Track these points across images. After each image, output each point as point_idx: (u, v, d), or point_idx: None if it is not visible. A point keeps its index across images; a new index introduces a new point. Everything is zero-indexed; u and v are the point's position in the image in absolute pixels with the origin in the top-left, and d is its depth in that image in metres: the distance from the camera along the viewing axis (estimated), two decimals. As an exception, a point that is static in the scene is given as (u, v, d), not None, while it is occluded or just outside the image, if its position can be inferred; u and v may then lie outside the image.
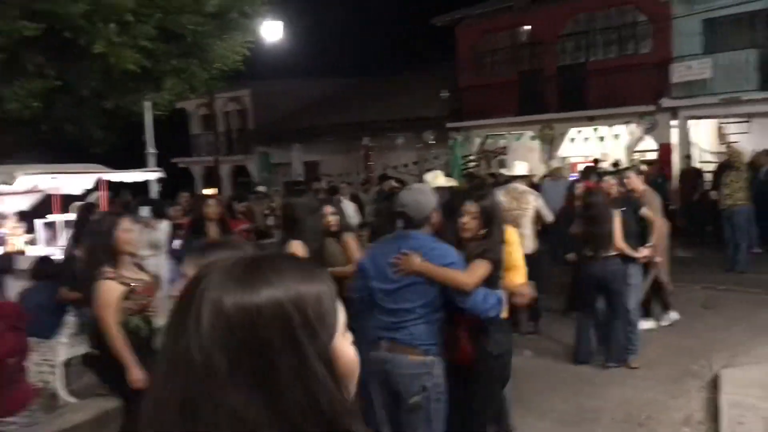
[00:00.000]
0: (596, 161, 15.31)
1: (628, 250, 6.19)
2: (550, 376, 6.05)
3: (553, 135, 18.09)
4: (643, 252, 6.29)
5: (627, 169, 6.85)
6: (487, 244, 3.69)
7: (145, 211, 6.63)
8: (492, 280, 3.62)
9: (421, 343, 3.43)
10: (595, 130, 17.31)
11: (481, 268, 3.56)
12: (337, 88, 27.14)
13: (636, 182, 6.61)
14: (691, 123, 16.07)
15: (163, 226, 6.75)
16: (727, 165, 10.07)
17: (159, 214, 7.01)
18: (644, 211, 6.49)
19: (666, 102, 15.70)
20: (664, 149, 15.94)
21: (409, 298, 3.44)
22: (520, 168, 7.79)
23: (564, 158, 19.01)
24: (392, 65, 26.57)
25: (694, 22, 15.65)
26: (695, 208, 12.75)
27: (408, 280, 3.43)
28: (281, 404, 0.87)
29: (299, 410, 0.87)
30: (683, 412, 5.06)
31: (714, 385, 5.53)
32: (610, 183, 6.58)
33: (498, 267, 3.69)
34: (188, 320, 0.90)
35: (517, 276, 4.05)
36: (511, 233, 4.13)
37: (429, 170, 15.10)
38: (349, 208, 9.32)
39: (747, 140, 14.79)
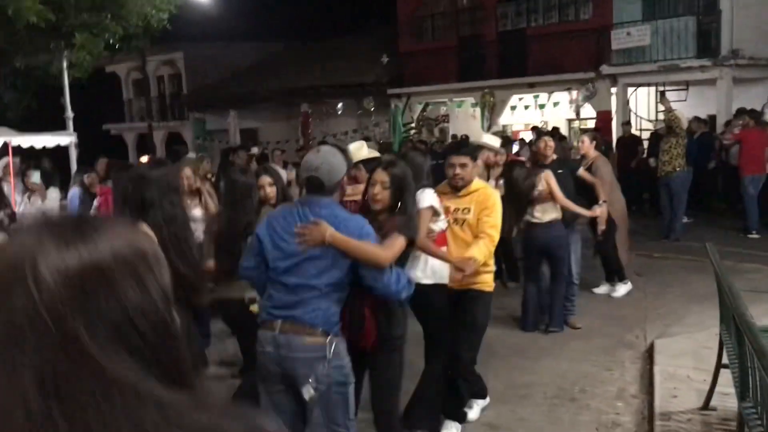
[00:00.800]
0: (535, 129, 15.19)
1: (574, 207, 5.98)
2: (484, 350, 5.76)
3: (494, 102, 17.85)
4: (597, 210, 6.06)
5: (584, 131, 6.66)
6: (403, 219, 3.34)
7: (35, 177, 6.07)
8: (403, 259, 3.28)
9: (323, 323, 3.06)
10: (536, 97, 17.14)
11: (398, 244, 3.21)
12: (275, 52, 26.27)
13: (588, 147, 6.35)
14: (630, 90, 16.05)
15: (53, 195, 6.18)
16: (666, 131, 9.94)
17: (49, 181, 6.44)
18: (581, 171, 6.24)
19: (606, 69, 15.59)
20: (604, 116, 15.86)
21: (313, 273, 3.05)
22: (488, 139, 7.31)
23: (505, 126, 18.86)
24: (332, 29, 25.73)
25: (634, -12, 15.53)
26: (633, 175, 12.70)
27: (314, 252, 3.04)
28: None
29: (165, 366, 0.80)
30: (617, 385, 4.87)
31: (648, 356, 5.36)
32: (547, 144, 6.29)
33: (413, 245, 3.35)
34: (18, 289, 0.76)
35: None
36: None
37: (366, 138, 14.75)
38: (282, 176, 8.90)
39: (684, 108, 14.81)
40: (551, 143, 6.32)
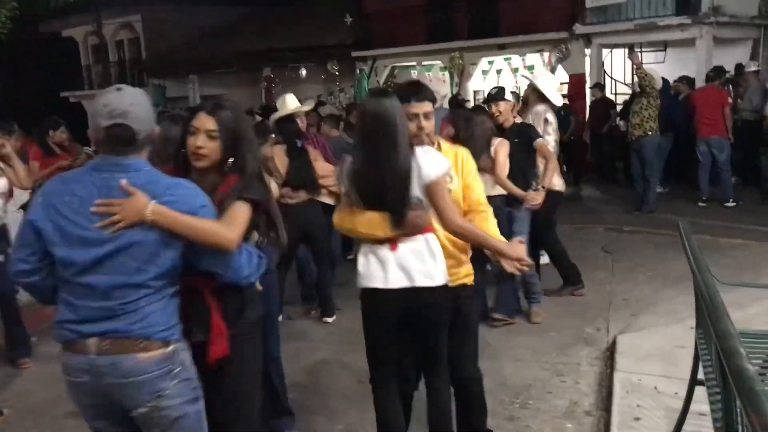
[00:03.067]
0: (513, 94, 14.24)
1: (510, 187, 5.07)
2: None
3: (463, 65, 16.85)
4: (529, 194, 5.12)
5: (496, 97, 5.54)
6: (243, 179, 2.44)
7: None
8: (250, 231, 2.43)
9: (160, 330, 2.23)
10: (507, 59, 16.14)
11: (241, 215, 2.35)
12: (238, 15, 24.96)
13: (506, 113, 5.33)
14: (605, 52, 15.11)
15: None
16: (637, 91, 9.03)
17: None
18: (539, 142, 5.29)
19: (579, 28, 14.60)
20: (577, 80, 14.91)
21: (133, 266, 2.18)
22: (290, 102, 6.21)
23: (476, 92, 17.89)
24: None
25: (611, -58, 14.49)
26: (605, 141, 11.82)
27: (132, 237, 2.16)
28: None
29: None
30: (569, 397, 4.00)
31: (610, 356, 4.52)
32: (498, 107, 5.37)
33: (263, 211, 2.45)
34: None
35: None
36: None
37: (321, 103, 13.68)
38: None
39: (663, 69, 13.93)
40: (503, 107, 5.38)
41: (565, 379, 4.26)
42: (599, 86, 13.27)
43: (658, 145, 9.05)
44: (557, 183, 5.85)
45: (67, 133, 6.98)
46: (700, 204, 9.36)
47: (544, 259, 6.24)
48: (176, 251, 2.21)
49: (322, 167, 5.42)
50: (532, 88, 6.09)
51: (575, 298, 5.88)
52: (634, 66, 8.81)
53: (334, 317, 5.76)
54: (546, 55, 15.09)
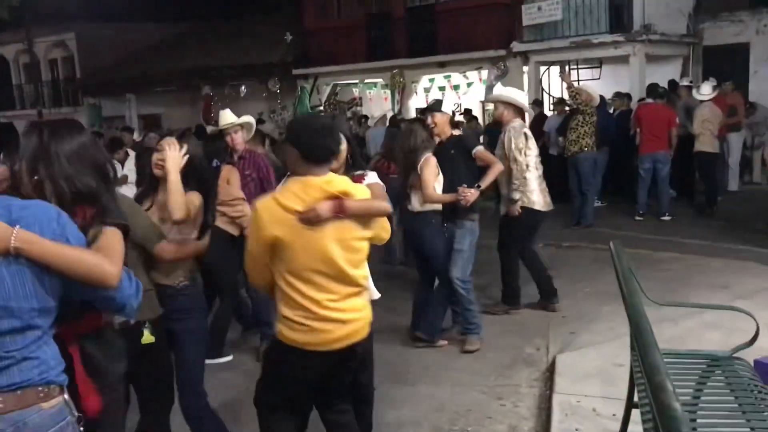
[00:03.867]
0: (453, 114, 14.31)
1: (440, 197, 5.01)
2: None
3: (403, 83, 16.85)
4: (460, 190, 4.96)
5: (433, 108, 5.44)
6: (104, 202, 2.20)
7: None
8: None
9: (56, 374, 1.99)
10: (447, 77, 16.23)
11: (116, 242, 2.11)
12: (177, 33, 24.54)
13: (442, 124, 5.22)
14: (543, 69, 15.34)
15: None
16: (573, 108, 9.12)
17: None
18: (478, 150, 5.22)
19: (516, 46, 14.80)
20: (516, 97, 15.07)
21: (13, 306, 1.89)
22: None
23: (421, 110, 17.91)
24: (238, 8, 24.21)
25: (545, -40, 14.76)
26: (542, 157, 11.88)
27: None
28: None
29: None
30: (508, 421, 3.90)
31: (550, 376, 4.44)
32: (434, 119, 5.27)
33: (127, 234, 2.22)
34: None
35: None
36: None
37: (260, 121, 13.47)
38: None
39: (598, 86, 14.21)
40: (438, 117, 5.30)
41: (504, 402, 4.15)
42: (537, 103, 13.42)
43: (594, 161, 9.16)
44: (537, 201, 5.77)
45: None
46: (637, 218, 9.49)
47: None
48: (54, 283, 1.94)
49: (226, 192, 4.93)
50: (506, 103, 5.73)
51: (513, 316, 5.82)
52: (565, 85, 8.89)
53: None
54: (484, 72, 15.22)
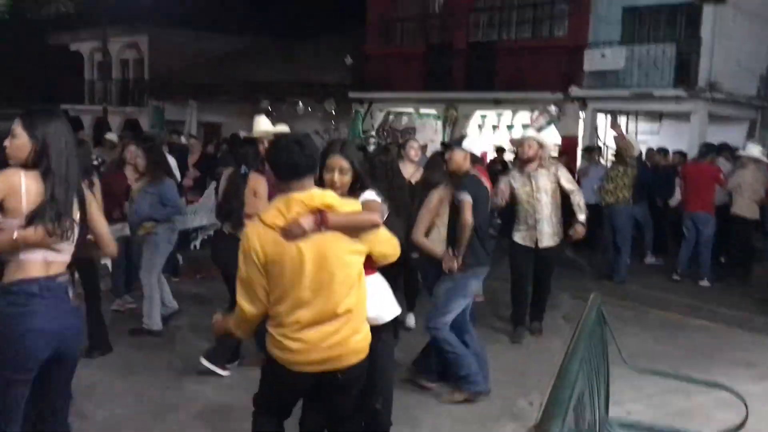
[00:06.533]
0: (501, 149, 14.08)
1: (429, 248, 4.68)
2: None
3: (456, 117, 16.68)
4: (444, 257, 4.70)
5: (454, 143, 5.19)
6: None
7: None
8: None
9: None
10: (499, 115, 15.99)
11: None
12: (241, 44, 25.05)
13: (459, 160, 4.94)
14: (600, 117, 14.94)
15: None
16: (615, 158, 8.75)
17: None
18: (462, 197, 4.79)
19: (575, 90, 14.47)
20: (569, 142, 14.70)
21: None
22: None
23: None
24: (303, 27, 24.55)
25: (614, 8, 14.45)
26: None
27: None
28: None
29: None
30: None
31: (534, 435, 4.09)
32: (452, 156, 5.01)
33: None
34: None
35: None
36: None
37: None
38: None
39: (657, 140, 13.76)
40: (456, 155, 4.98)
41: (477, 457, 3.84)
42: (589, 150, 13.00)
43: (631, 214, 8.74)
44: None
45: None
46: (675, 277, 8.99)
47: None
48: None
49: (252, 204, 4.83)
50: (540, 143, 6.20)
51: (519, 364, 5.49)
52: (616, 135, 8.55)
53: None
54: (535, 113, 14.90)
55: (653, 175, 10.22)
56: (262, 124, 5.83)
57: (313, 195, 2.77)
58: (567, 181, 6.24)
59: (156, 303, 5.94)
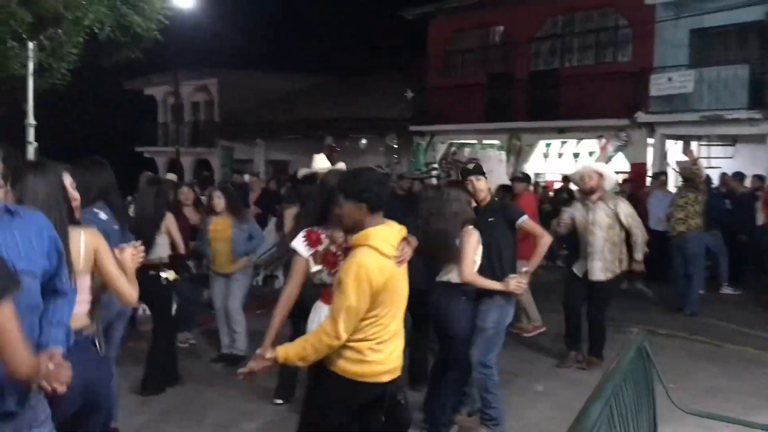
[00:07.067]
0: (566, 178, 13.71)
1: (483, 282, 4.40)
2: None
3: (520, 146, 16.42)
4: (510, 283, 4.46)
5: (474, 171, 4.95)
6: None
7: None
8: None
9: None
10: (563, 143, 15.65)
11: None
12: (306, 84, 25.59)
13: (481, 189, 4.71)
14: (669, 143, 14.41)
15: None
16: (684, 184, 8.34)
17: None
18: (524, 221, 4.73)
19: (642, 116, 14.03)
20: (638, 170, 14.21)
21: None
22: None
23: (537, 174, 17.37)
24: (366, 64, 24.93)
25: (680, 31, 14.03)
26: (654, 236, 10.97)
27: None
28: None
29: None
30: None
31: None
32: (474, 183, 4.80)
33: None
34: None
35: None
36: None
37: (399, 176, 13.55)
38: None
39: (732, 165, 13.12)
40: (480, 184, 4.78)
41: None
42: (656, 176, 12.51)
43: (703, 243, 8.28)
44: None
45: None
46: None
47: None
48: None
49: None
50: (600, 174, 6.07)
51: (574, 401, 5.17)
52: (690, 161, 8.18)
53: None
54: (603, 140, 14.47)
55: (730, 201, 9.71)
56: (321, 162, 5.90)
57: (397, 225, 2.97)
58: (626, 216, 6.04)
59: (244, 329, 6.30)
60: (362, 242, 2.83)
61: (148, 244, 4.92)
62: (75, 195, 2.93)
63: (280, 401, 5.09)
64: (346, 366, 2.85)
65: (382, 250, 2.81)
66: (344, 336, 2.78)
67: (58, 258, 2.26)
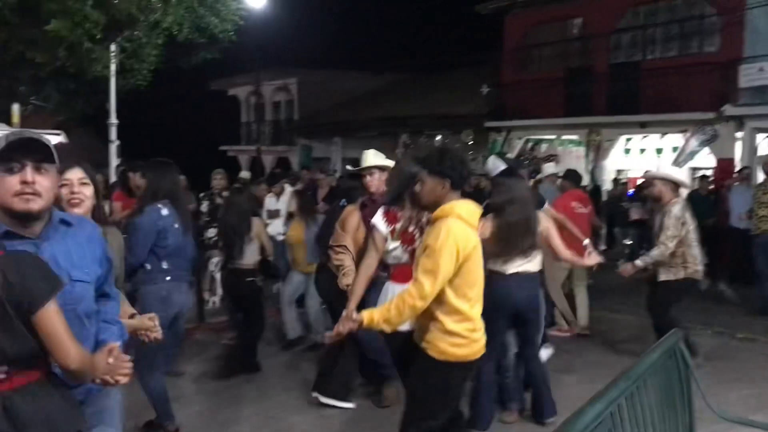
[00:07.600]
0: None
1: (569, 256, 4.75)
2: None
3: (599, 141, 15.91)
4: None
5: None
6: None
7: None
8: None
9: None
10: (644, 137, 15.05)
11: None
12: (382, 82, 25.70)
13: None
14: (760, 137, 13.61)
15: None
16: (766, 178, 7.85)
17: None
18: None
19: (729, 109, 13.30)
20: (725, 165, 13.48)
21: None
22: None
23: (619, 171, 16.81)
24: (442, 60, 24.75)
25: (773, 18, 13.23)
26: (724, 232, 10.28)
27: None
28: None
29: None
30: None
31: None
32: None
33: None
34: None
35: None
36: None
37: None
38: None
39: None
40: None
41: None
42: (745, 171, 11.84)
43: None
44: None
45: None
46: None
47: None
48: None
49: (337, 236, 4.67)
50: (664, 180, 5.71)
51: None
52: None
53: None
54: (687, 134, 13.82)
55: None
56: (369, 158, 5.75)
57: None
58: (667, 227, 5.61)
59: (322, 324, 6.54)
60: (448, 213, 2.93)
61: (239, 252, 5.62)
62: (85, 192, 2.91)
63: (316, 395, 5.04)
64: (455, 351, 2.99)
65: (468, 220, 2.94)
66: (430, 297, 2.86)
67: (108, 264, 2.38)
